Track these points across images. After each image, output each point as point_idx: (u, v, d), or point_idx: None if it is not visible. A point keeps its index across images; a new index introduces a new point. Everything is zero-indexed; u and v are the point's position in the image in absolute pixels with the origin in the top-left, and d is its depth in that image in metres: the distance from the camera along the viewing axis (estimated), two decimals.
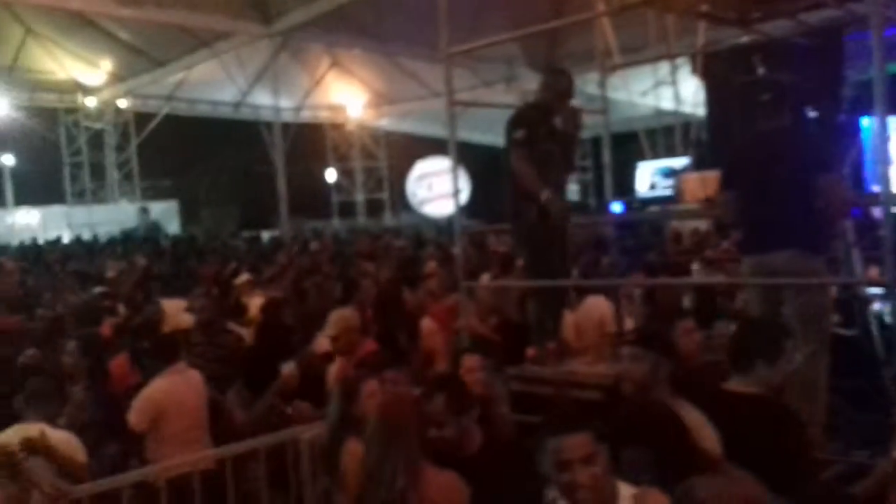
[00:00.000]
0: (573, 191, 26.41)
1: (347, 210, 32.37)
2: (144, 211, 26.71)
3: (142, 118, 26.96)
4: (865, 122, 6.85)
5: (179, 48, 22.08)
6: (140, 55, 22.96)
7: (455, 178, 6.10)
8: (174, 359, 5.14)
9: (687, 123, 18.74)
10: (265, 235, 23.93)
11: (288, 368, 4.94)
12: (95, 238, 23.24)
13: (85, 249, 20.20)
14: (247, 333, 6.79)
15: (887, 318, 5.32)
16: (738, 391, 3.32)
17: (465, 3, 12.12)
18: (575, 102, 5.67)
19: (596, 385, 4.69)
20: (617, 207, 15.55)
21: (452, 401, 3.37)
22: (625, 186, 20.32)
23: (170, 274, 13.09)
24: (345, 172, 32.22)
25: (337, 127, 31.25)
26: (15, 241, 22.13)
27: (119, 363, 5.91)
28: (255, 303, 7.94)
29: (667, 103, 18.77)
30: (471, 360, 4.22)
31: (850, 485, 3.23)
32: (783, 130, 4.56)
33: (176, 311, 7.29)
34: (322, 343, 5.54)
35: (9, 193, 25.35)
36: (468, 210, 20.92)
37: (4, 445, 3.75)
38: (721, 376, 3.51)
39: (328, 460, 3.67)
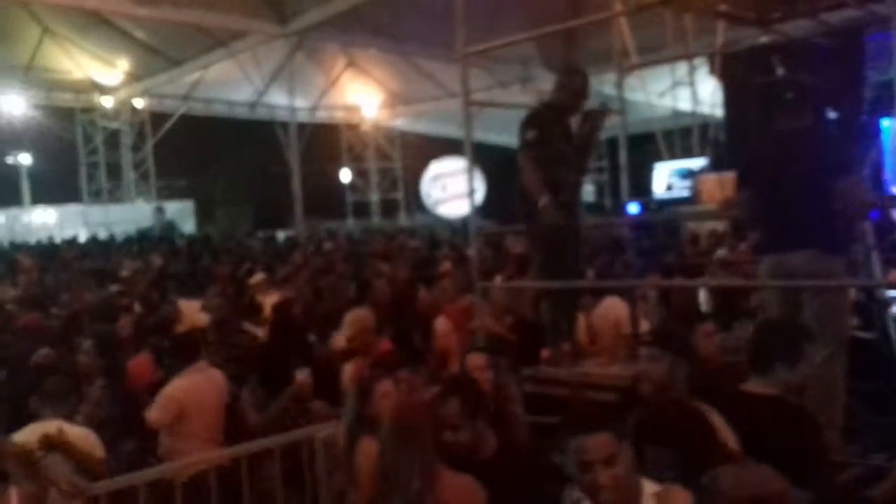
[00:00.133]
0: (589, 192, 26.37)
1: (362, 210, 32.42)
2: (160, 210, 26.84)
3: (158, 118, 27.10)
4: (886, 123, 6.80)
5: (196, 48, 22.16)
6: (156, 55, 23.06)
7: (470, 179, 6.08)
8: (195, 358, 5.16)
9: (705, 124, 18.60)
10: (280, 235, 24.00)
11: (302, 375, 4.94)
12: (112, 237, 23.38)
13: (101, 248, 20.33)
14: (261, 333, 6.81)
15: None
16: (756, 392, 3.29)
17: (482, 3, 12.09)
18: (593, 103, 5.64)
19: (611, 386, 4.67)
20: (633, 208, 15.50)
21: (467, 404, 3.35)
22: (641, 187, 20.21)
23: (185, 273, 13.14)
24: (360, 173, 32.28)
25: (352, 127, 31.30)
26: (32, 240, 22.27)
27: (140, 362, 5.92)
28: (269, 302, 7.95)
29: (684, 104, 18.67)
30: (476, 359, 4.20)
31: (867, 488, 3.20)
32: (803, 131, 4.52)
33: (192, 311, 7.33)
34: (338, 341, 5.54)
35: (26, 192, 25.54)
36: (483, 211, 20.84)
37: (22, 444, 3.77)
38: (739, 378, 3.48)
39: (344, 459, 3.66)
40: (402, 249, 15.41)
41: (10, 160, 25.11)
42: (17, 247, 20.69)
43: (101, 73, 24.62)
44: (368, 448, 3.35)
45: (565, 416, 2.64)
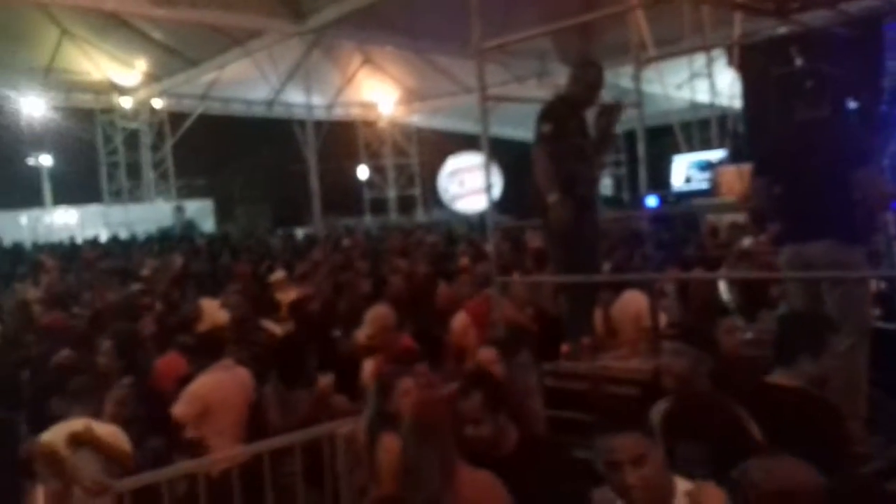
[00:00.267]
0: (606, 185, 26.28)
1: (379, 207, 32.50)
2: (180, 209, 27.01)
3: (176, 118, 27.29)
4: None
5: (213, 47, 22.27)
6: (174, 55, 23.20)
7: (487, 174, 6.07)
8: (220, 355, 5.19)
9: (723, 116, 18.48)
10: (299, 233, 24.08)
11: (324, 380, 4.95)
12: (133, 237, 23.56)
13: (122, 248, 20.48)
14: (280, 330, 6.83)
15: None
16: (779, 384, 3.28)
17: None
18: (608, 96, 5.62)
19: (631, 380, 4.66)
20: (652, 201, 15.44)
21: (489, 398, 3.35)
22: (660, 180, 20.12)
23: (205, 272, 13.22)
24: (376, 169, 32.35)
25: (369, 124, 31.37)
26: (54, 241, 22.47)
27: (170, 361, 5.94)
28: (288, 299, 8.00)
29: (702, 96, 18.56)
30: (488, 353, 4.21)
31: (889, 480, 3.18)
32: (822, 121, 4.49)
33: (213, 309, 7.37)
34: (360, 338, 5.54)
35: (47, 193, 25.77)
36: (500, 206, 20.86)
37: (48, 443, 3.82)
38: (761, 370, 3.46)
39: (365, 456, 3.68)
40: (420, 245, 15.43)
41: (31, 162, 25.35)
42: (39, 247, 20.89)
43: (120, 73, 24.80)
44: (389, 444, 3.36)
45: (594, 413, 2.62)
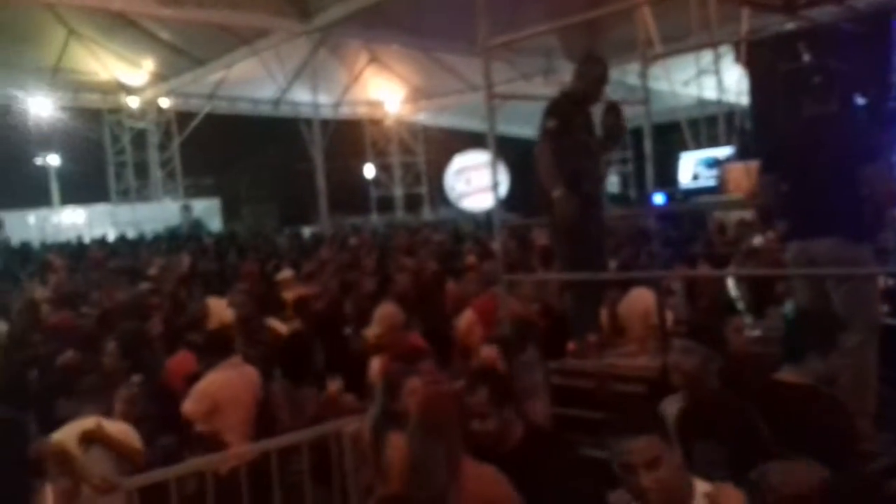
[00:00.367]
0: (613, 183, 26.23)
1: (386, 205, 32.51)
2: (187, 209, 27.06)
3: (183, 117, 27.32)
4: None
5: (220, 47, 22.29)
6: (181, 54, 23.24)
7: (494, 172, 6.07)
8: (228, 353, 5.20)
9: (730, 113, 18.41)
10: (306, 231, 24.11)
11: (334, 385, 4.95)
12: (142, 236, 23.62)
13: (130, 247, 20.53)
14: (284, 328, 6.82)
15: None
16: (787, 381, 3.28)
17: None
18: (615, 94, 5.62)
19: (639, 378, 4.65)
20: (659, 199, 15.40)
21: (495, 393, 3.35)
22: (667, 177, 20.07)
23: (213, 271, 13.25)
24: (383, 168, 32.36)
25: (375, 122, 31.37)
26: (62, 240, 22.54)
27: (181, 359, 5.96)
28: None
29: (710, 92, 18.50)
30: (489, 351, 4.21)
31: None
32: (830, 117, 4.47)
33: (220, 308, 7.39)
34: (368, 336, 5.54)
35: (55, 193, 25.85)
36: (507, 203, 20.81)
37: (58, 443, 3.83)
38: (769, 368, 3.46)
39: (371, 455, 3.68)
40: (426, 243, 15.43)
41: (38, 162, 25.42)
42: (47, 247, 20.96)
43: (127, 73, 24.85)
44: (397, 443, 3.36)
45: (604, 412, 2.60)
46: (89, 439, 4.01)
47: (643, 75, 6.49)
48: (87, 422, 4.13)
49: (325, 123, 24.84)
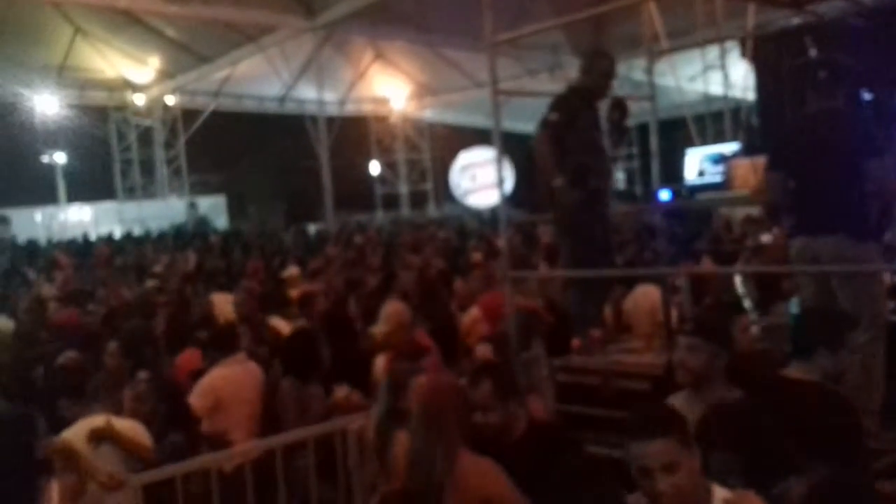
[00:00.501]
0: (619, 179, 26.17)
1: (391, 202, 32.50)
2: (193, 206, 27.09)
3: (189, 114, 27.35)
4: None
5: (225, 44, 22.32)
6: (187, 52, 23.27)
7: (499, 169, 6.06)
8: (233, 349, 5.21)
9: (737, 108, 18.36)
10: (311, 229, 24.13)
11: (341, 393, 4.94)
12: (148, 233, 23.67)
13: (135, 245, 20.57)
14: (287, 327, 6.78)
15: None
16: (794, 378, 3.26)
17: None
18: (621, 89, 5.60)
19: (644, 375, 4.64)
20: (664, 195, 15.37)
21: (498, 387, 3.36)
22: (673, 174, 20.02)
23: (219, 269, 13.27)
24: (389, 165, 32.35)
25: (380, 119, 31.36)
26: (68, 237, 22.60)
27: (188, 357, 5.96)
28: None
29: (716, 88, 18.43)
30: (483, 349, 4.21)
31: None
32: (835, 112, 4.44)
33: (224, 304, 7.40)
34: (375, 334, 5.53)
35: (61, 191, 25.88)
36: (512, 200, 20.81)
37: (65, 440, 3.84)
38: (774, 364, 3.44)
39: (375, 452, 3.68)
40: (432, 240, 15.43)
41: (45, 159, 25.46)
42: (54, 245, 21.01)
43: (133, 71, 24.90)
44: (404, 441, 3.37)
45: (626, 413, 2.56)
46: (99, 437, 4.01)
47: (649, 71, 6.49)
48: (97, 419, 4.15)
49: (330, 120, 24.85)
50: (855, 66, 4.99)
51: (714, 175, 20.27)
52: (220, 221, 27.61)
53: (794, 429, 2.86)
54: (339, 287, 8.65)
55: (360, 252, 13.42)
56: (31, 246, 20.74)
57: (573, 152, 5.14)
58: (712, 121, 21.46)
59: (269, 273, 11.05)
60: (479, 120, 26.39)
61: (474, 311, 6.28)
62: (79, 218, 25.44)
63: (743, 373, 3.41)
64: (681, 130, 22.06)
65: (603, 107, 5.53)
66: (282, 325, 6.71)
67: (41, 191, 25.30)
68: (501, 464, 3.10)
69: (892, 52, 6.14)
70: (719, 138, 20.68)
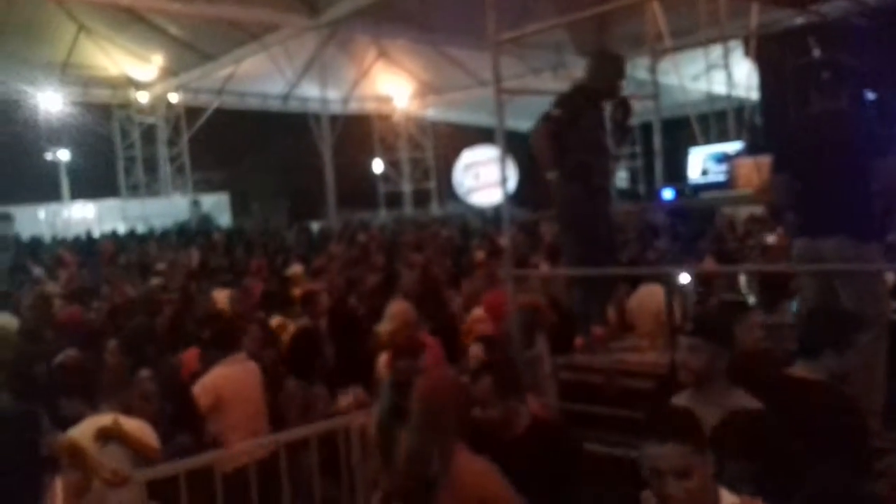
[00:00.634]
0: (622, 178, 26.15)
1: (394, 201, 32.48)
2: (196, 204, 27.09)
3: (193, 112, 27.36)
4: None
5: (229, 42, 22.33)
6: (190, 50, 23.28)
7: (503, 167, 6.05)
8: (234, 349, 5.21)
9: (740, 107, 18.35)
10: (314, 227, 24.14)
11: (346, 401, 4.95)
12: (151, 231, 23.70)
13: (138, 242, 20.59)
14: (290, 325, 6.78)
15: None
16: (800, 377, 3.27)
17: None
18: (625, 89, 5.61)
19: (647, 374, 4.65)
20: (668, 194, 15.36)
21: (498, 383, 3.37)
22: (676, 173, 20.00)
23: (223, 266, 13.28)
24: (391, 163, 32.34)
25: (384, 118, 31.35)
26: (71, 235, 22.63)
27: (192, 355, 5.97)
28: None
29: (719, 87, 18.43)
30: (475, 349, 4.22)
31: None
32: (839, 112, 4.45)
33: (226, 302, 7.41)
34: (381, 333, 5.54)
35: (65, 188, 25.90)
36: (515, 199, 20.80)
37: (70, 437, 3.85)
38: (778, 363, 3.45)
39: (378, 450, 3.68)
40: (435, 239, 15.43)
41: (48, 156, 25.48)
42: (58, 242, 21.03)
43: (137, 68, 24.91)
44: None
45: (644, 414, 2.56)
46: (106, 435, 4.02)
47: (652, 70, 6.48)
48: (104, 418, 4.15)
49: (333, 119, 24.84)
50: (858, 66, 4.98)
51: (717, 174, 20.27)
52: (224, 219, 27.61)
53: (800, 429, 2.86)
54: (340, 285, 8.64)
55: (364, 250, 13.43)
56: (35, 243, 20.76)
57: (574, 150, 5.14)
58: (716, 120, 21.46)
59: (273, 271, 11.06)
60: (483, 118, 26.37)
61: (477, 311, 6.28)
62: (82, 215, 25.44)
63: (748, 372, 3.41)
64: (684, 129, 22.05)
65: (606, 106, 5.53)
66: (281, 324, 6.70)
67: (45, 188, 25.31)
68: (501, 460, 3.10)
69: (895, 51, 6.13)
70: (723, 137, 20.68)
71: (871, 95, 5.72)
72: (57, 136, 25.06)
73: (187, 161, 28.27)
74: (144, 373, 5.24)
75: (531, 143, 5.28)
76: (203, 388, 4.96)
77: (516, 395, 3.43)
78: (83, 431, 4.01)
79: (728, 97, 17.48)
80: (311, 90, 25.50)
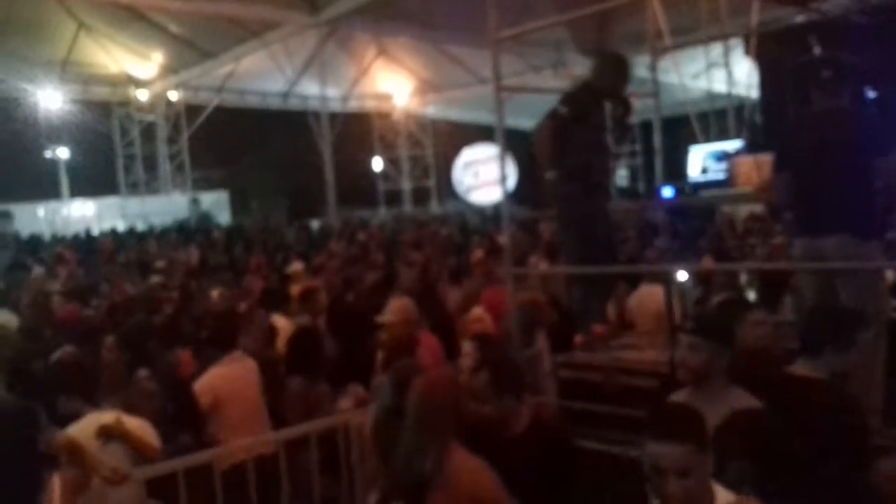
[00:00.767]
0: (622, 176, 26.16)
1: (394, 198, 32.49)
2: (196, 202, 27.10)
3: (192, 110, 27.37)
4: None
5: (228, 40, 22.33)
6: (190, 47, 23.28)
7: (502, 165, 6.05)
8: (231, 347, 5.20)
9: (740, 105, 18.34)
10: (314, 225, 24.13)
11: (346, 403, 4.94)
12: (151, 229, 23.70)
13: (137, 240, 20.58)
14: (285, 323, 6.75)
15: None
16: (801, 375, 3.26)
17: None
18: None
19: (646, 372, 4.64)
20: (668, 192, 15.36)
21: (495, 380, 3.36)
22: (676, 171, 20.00)
23: (223, 264, 13.28)
24: (391, 161, 32.34)
25: (383, 115, 31.35)
26: (71, 233, 22.62)
27: (185, 356, 5.95)
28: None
29: (719, 85, 18.42)
30: (466, 347, 4.21)
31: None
32: (840, 111, 4.44)
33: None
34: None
35: (64, 186, 25.89)
36: (515, 197, 20.79)
37: (68, 434, 3.84)
38: (778, 362, 3.44)
39: (376, 449, 3.67)
40: (434, 237, 15.43)
41: (48, 154, 25.46)
42: (57, 240, 21.03)
43: (137, 66, 24.91)
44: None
45: (648, 411, 2.57)
46: (108, 433, 4.01)
47: (653, 68, 6.46)
48: (106, 416, 4.14)
49: (333, 116, 24.84)
50: (859, 64, 4.97)
51: (717, 172, 20.27)
52: (223, 217, 27.61)
53: (802, 428, 2.85)
54: (337, 284, 8.61)
55: (363, 249, 13.42)
56: (35, 241, 20.76)
57: (578, 149, 5.14)
58: (716, 118, 21.44)
59: (272, 269, 11.06)
60: (482, 116, 26.36)
61: (477, 310, 6.28)
62: (81, 213, 25.43)
63: (749, 370, 3.40)
64: (684, 128, 22.03)
65: (607, 104, 5.53)
66: (282, 323, 6.68)
67: (44, 186, 25.30)
68: (499, 460, 3.09)
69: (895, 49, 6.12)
70: (723, 136, 20.66)
71: (871, 93, 5.72)
72: (56, 133, 25.06)
73: (187, 159, 28.26)
74: (143, 373, 5.23)
75: (534, 140, 5.28)
76: (201, 389, 4.95)
77: (513, 393, 3.41)
78: (84, 428, 4.00)
79: (728, 95, 17.47)
80: (310, 88, 25.50)
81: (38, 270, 13.79)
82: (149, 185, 27.79)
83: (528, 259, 8.19)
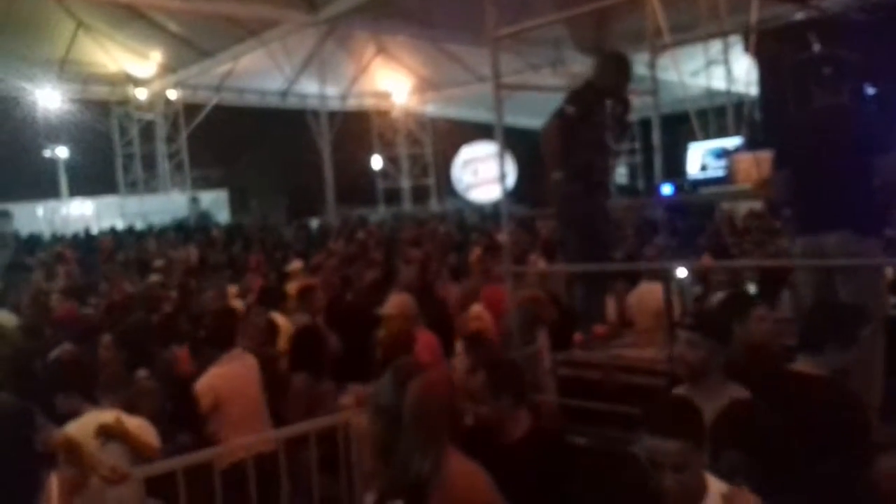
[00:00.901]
0: (621, 174, 26.15)
1: (393, 197, 32.48)
2: (195, 200, 27.08)
3: (191, 109, 27.32)
4: None
5: (227, 38, 22.30)
6: (189, 46, 23.25)
7: (501, 163, 6.04)
8: (230, 345, 5.19)
9: (740, 103, 18.34)
10: (313, 223, 24.13)
11: (348, 400, 4.93)
12: (150, 227, 23.69)
13: (136, 239, 20.58)
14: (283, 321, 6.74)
15: None
16: (801, 372, 3.26)
17: None
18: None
19: (646, 370, 4.64)
20: (667, 190, 15.36)
21: (491, 381, 3.35)
22: (675, 168, 20.01)
23: (222, 263, 13.28)
24: (390, 159, 32.32)
25: (382, 114, 31.33)
26: (70, 232, 22.61)
27: (182, 355, 5.95)
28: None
29: (718, 83, 18.41)
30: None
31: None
32: (840, 108, 4.43)
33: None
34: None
35: (63, 185, 25.87)
36: (514, 195, 20.80)
37: (66, 433, 3.83)
38: (785, 357, 3.44)
39: (375, 449, 3.65)
40: (433, 235, 15.43)
41: (47, 153, 25.43)
42: (57, 239, 21.02)
43: (135, 65, 24.87)
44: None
45: (648, 406, 2.60)
46: (107, 433, 4.00)
47: (652, 65, 6.44)
48: (106, 415, 4.13)
49: (332, 115, 24.84)
50: (859, 61, 4.96)
51: (717, 170, 20.30)
52: (222, 216, 27.59)
53: (801, 424, 2.85)
54: (335, 283, 8.60)
55: (362, 247, 13.43)
56: (34, 240, 20.75)
57: (583, 148, 5.14)
58: (715, 115, 21.44)
59: (271, 267, 11.06)
60: (481, 114, 26.35)
61: (476, 308, 6.28)
62: (81, 212, 25.41)
63: (749, 367, 3.40)
64: (684, 125, 22.03)
65: (607, 102, 5.53)
66: (280, 321, 6.67)
67: (43, 185, 25.28)
68: (498, 464, 3.08)
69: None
70: (722, 133, 20.67)
71: (871, 90, 5.70)
72: (55, 132, 25.03)
73: (186, 158, 28.23)
74: (142, 373, 5.22)
75: (541, 139, 5.27)
76: (201, 390, 4.94)
77: (511, 394, 3.39)
78: (83, 427, 3.99)
79: (727, 93, 17.49)
80: (309, 86, 25.48)
81: (37, 270, 13.80)
82: (148, 183, 27.77)
83: (527, 257, 8.19)
